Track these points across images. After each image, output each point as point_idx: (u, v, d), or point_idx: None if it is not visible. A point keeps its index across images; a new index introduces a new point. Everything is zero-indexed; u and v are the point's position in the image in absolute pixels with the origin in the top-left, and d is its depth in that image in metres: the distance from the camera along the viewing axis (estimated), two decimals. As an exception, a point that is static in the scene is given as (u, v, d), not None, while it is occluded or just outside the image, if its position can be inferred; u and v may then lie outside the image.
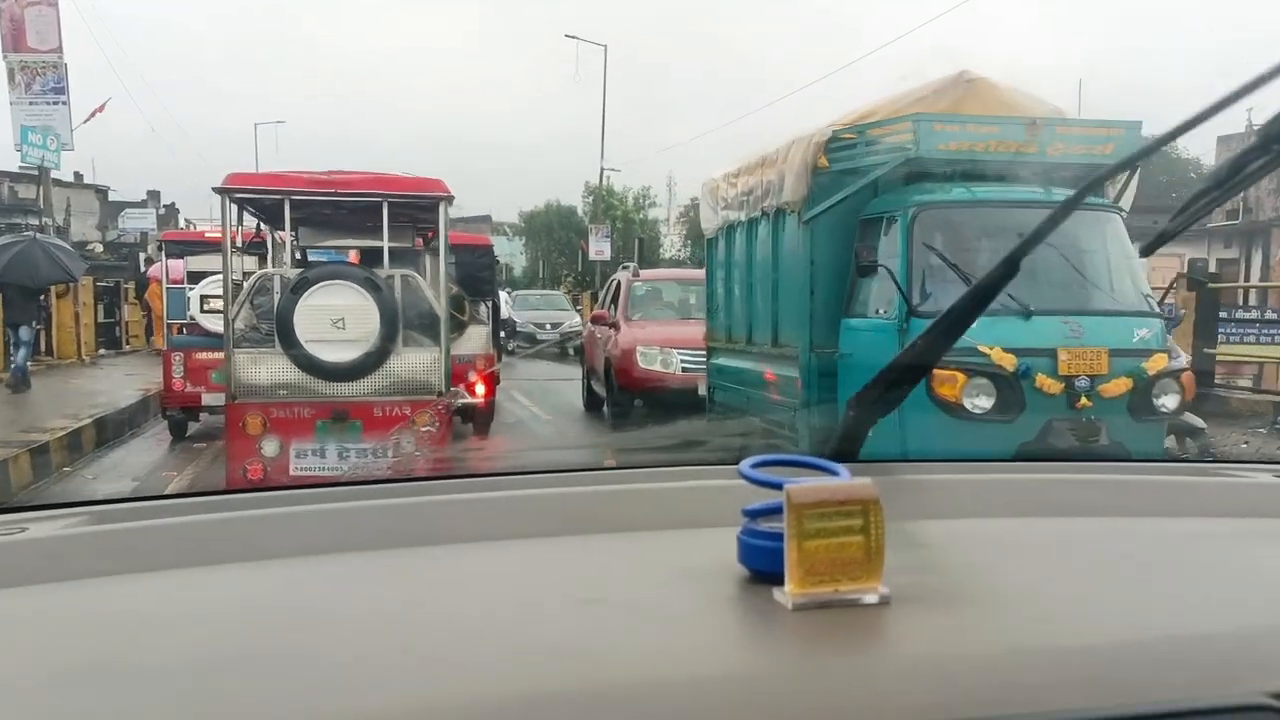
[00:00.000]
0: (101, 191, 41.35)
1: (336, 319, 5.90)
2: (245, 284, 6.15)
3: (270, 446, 5.95)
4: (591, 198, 38.07)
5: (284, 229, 6.32)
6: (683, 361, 9.63)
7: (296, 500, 1.06)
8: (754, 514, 0.79)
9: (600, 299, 11.87)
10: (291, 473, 5.92)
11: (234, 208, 6.27)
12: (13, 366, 12.16)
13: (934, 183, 6.13)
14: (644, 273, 11.96)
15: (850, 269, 6.08)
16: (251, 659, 0.69)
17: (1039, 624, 0.74)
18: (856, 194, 6.22)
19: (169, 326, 9.89)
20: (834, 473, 0.83)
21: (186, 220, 11.20)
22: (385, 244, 6.16)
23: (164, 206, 40.31)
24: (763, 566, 0.76)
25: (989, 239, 5.56)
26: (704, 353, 8.85)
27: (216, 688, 0.64)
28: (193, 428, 10.12)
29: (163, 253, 10.76)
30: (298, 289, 5.89)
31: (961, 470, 1.24)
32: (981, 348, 5.23)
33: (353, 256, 7.56)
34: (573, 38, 30.33)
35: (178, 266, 10.31)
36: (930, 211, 5.92)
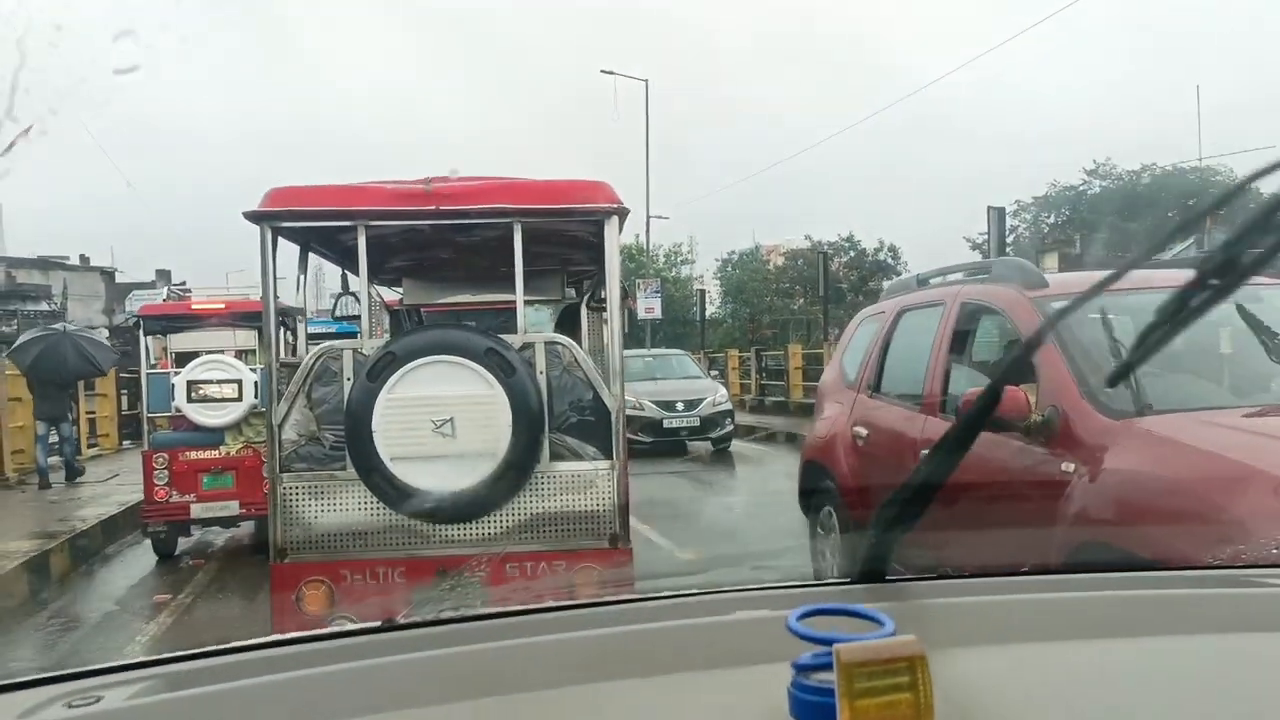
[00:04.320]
0: (108, 273, 39.64)
1: (442, 420, 3.57)
2: (301, 366, 3.80)
3: None
4: (623, 257, 36.28)
5: (361, 270, 3.96)
6: None
7: (353, 654, 0.98)
8: (803, 668, 0.78)
9: (858, 365, 5.18)
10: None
11: (296, 250, 3.99)
12: (63, 460, 11.94)
13: None
14: (1060, 276, 5.02)
15: None
16: None
17: None
18: None
19: (150, 421, 8.07)
20: (879, 622, 0.82)
21: (172, 290, 9.53)
22: (519, 292, 3.82)
23: (175, 286, 38.98)
24: None
25: None
26: None
27: None
28: (183, 544, 8.34)
29: (140, 330, 8.72)
30: (378, 372, 3.57)
31: (988, 590, 1.20)
32: None
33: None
34: (609, 73, 27.45)
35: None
36: None
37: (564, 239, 4.40)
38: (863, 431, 4.78)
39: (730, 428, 14.45)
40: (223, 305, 8.50)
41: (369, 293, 4.29)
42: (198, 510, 7.62)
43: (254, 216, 3.65)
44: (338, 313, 5.24)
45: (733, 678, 0.89)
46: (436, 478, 3.57)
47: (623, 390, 3.80)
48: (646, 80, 27.51)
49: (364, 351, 3.69)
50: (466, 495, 3.59)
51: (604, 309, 4.19)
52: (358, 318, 5.05)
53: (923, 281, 5.00)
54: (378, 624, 1.08)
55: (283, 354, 7.97)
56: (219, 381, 7.71)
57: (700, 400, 14.17)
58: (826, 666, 0.73)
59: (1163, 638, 1.01)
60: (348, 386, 3.66)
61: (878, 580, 1.16)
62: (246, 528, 8.44)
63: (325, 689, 0.91)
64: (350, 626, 1.08)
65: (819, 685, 0.75)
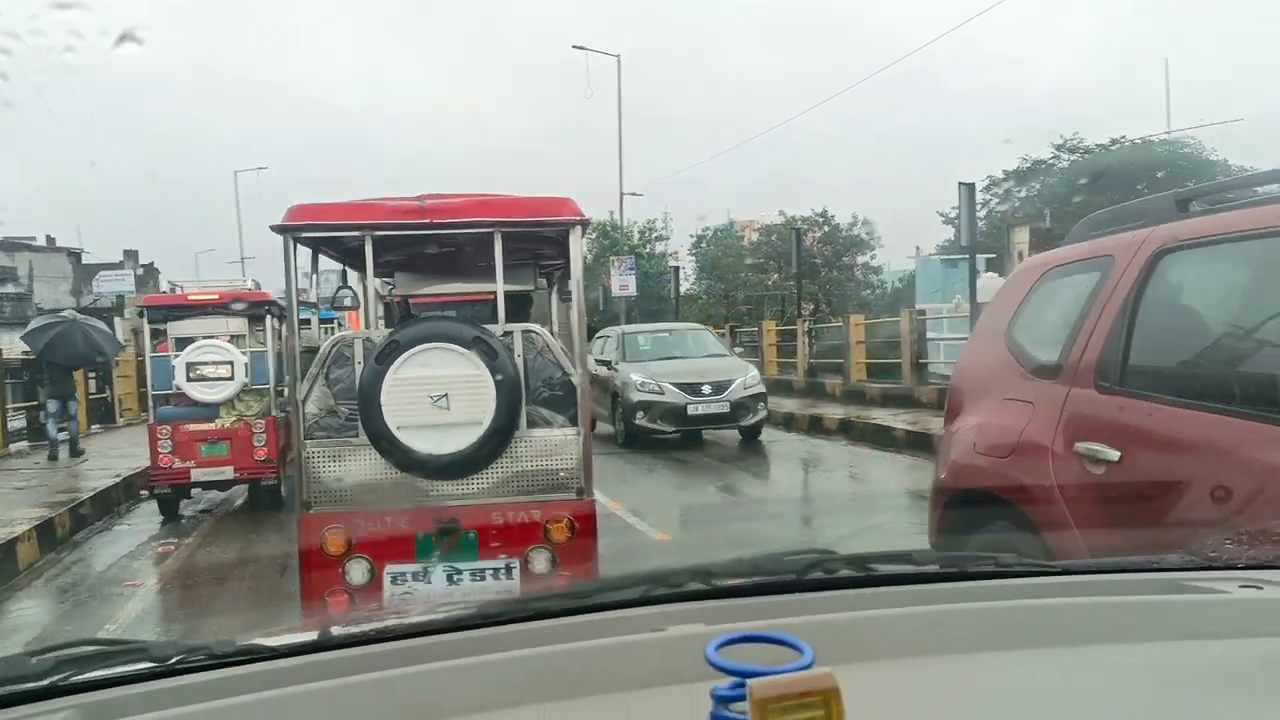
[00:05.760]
0: (74, 254, 39.93)
1: (438, 395, 4.36)
2: (320, 352, 4.58)
3: (357, 571, 4.38)
4: (595, 235, 36.04)
5: (367, 273, 4.75)
6: None
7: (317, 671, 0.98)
8: (722, 698, 0.78)
9: (1061, 341, 3.33)
10: (386, 603, 4.37)
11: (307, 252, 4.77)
12: (65, 438, 12.71)
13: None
14: None
15: None
16: None
17: None
18: None
19: (154, 398, 9.20)
20: (799, 649, 0.82)
21: (171, 283, 11.18)
22: (500, 289, 4.61)
23: (142, 267, 38.97)
24: None
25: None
26: None
27: None
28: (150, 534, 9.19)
29: (143, 319, 9.78)
30: (385, 357, 4.35)
31: (915, 599, 1.13)
32: None
33: None
34: (581, 48, 26.81)
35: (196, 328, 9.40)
36: None
37: (536, 239, 5.17)
38: (1107, 453, 2.89)
39: (764, 413, 12.64)
40: (216, 296, 9.50)
41: (372, 288, 5.05)
42: (197, 475, 8.84)
43: (279, 229, 4.42)
44: (335, 303, 6.04)
45: (658, 700, 0.90)
46: (434, 443, 4.36)
47: (585, 370, 4.61)
48: (618, 56, 27.42)
49: (372, 340, 4.48)
50: (459, 456, 4.38)
51: (570, 299, 4.98)
52: (352, 307, 5.84)
53: (1184, 204, 3.10)
54: (299, 642, 1.07)
55: (269, 341, 8.90)
56: (214, 363, 8.81)
57: (729, 382, 12.29)
58: (745, 697, 0.73)
59: (1091, 646, 1.00)
60: (359, 369, 4.45)
61: (817, 589, 1.17)
62: (238, 492, 9.68)
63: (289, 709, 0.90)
64: (268, 642, 1.08)
65: (737, 716, 0.75)
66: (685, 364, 12.87)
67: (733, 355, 14.42)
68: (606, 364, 13.29)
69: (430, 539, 4.43)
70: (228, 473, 8.85)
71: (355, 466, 4.44)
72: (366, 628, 1.10)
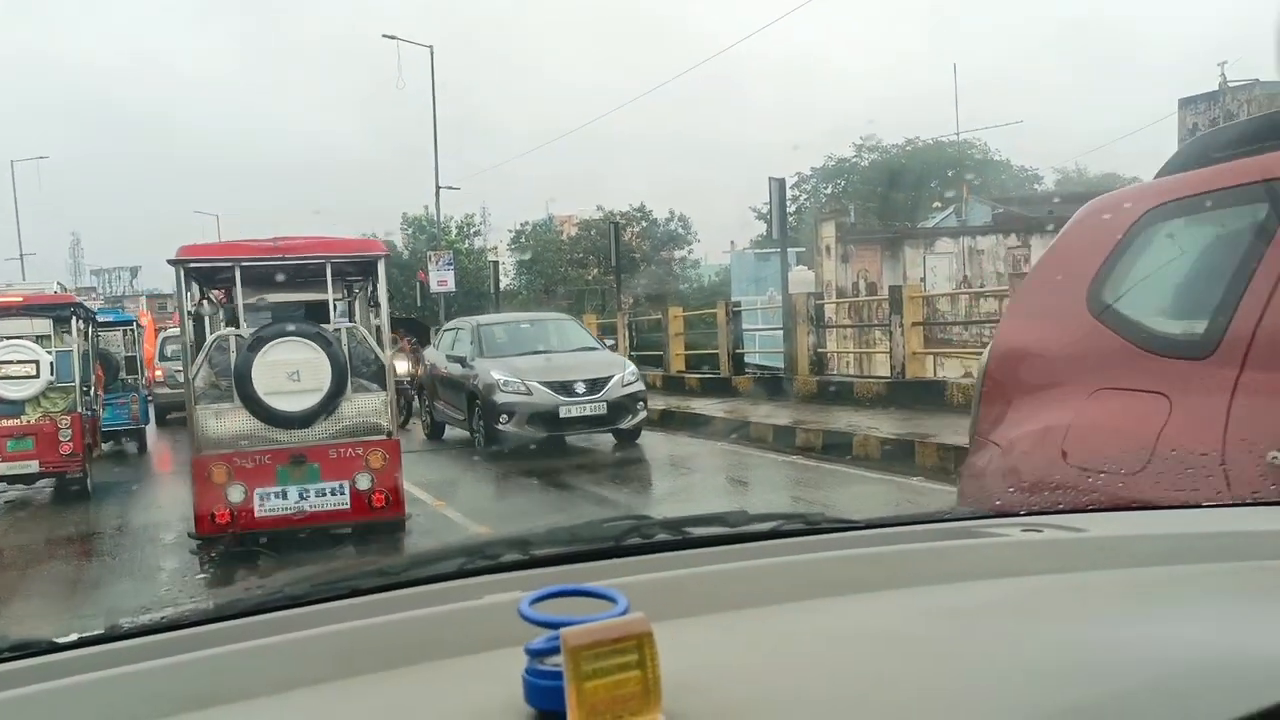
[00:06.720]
0: None
1: (292, 372, 6.54)
2: (205, 344, 6.72)
3: (235, 493, 6.51)
4: (411, 230, 36.42)
5: (227, 293, 6.91)
6: None
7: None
8: (536, 652, 0.79)
9: (1210, 303, 2.32)
10: (257, 515, 6.50)
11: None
12: None
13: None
14: None
15: None
16: None
17: None
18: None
19: None
20: (613, 600, 0.84)
21: None
22: (330, 299, 6.84)
23: None
24: (550, 705, 0.75)
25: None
26: None
27: None
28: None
29: None
30: (254, 346, 6.50)
31: (726, 557, 1.18)
32: None
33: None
34: (391, 38, 25.78)
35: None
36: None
37: (355, 266, 7.40)
38: None
39: (643, 414, 11.30)
40: (20, 298, 10.07)
41: (240, 301, 7.16)
42: (2, 469, 9.29)
43: (174, 262, 6.51)
44: (196, 314, 7.78)
45: (474, 665, 0.90)
46: (289, 404, 6.55)
47: (390, 354, 6.90)
48: (431, 47, 26.33)
49: (243, 335, 6.64)
50: (306, 413, 6.59)
51: (377, 305, 7.21)
52: (208, 314, 7.86)
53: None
54: (86, 635, 1.01)
55: (75, 341, 9.99)
56: (19, 362, 9.33)
57: (606, 380, 10.93)
58: (559, 649, 0.73)
59: (890, 591, 1.06)
60: (233, 356, 6.59)
61: (635, 554, 1.19)
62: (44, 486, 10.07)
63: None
64: (53, 637, 1.00)
65: (551, 669, 0.75)
66: (554, 360, 11.48)
67: (604, 349, 12.92)
68: (460, 361, 11.87)
69: (286, 469, 6.61)
70: (33, 466, 9.29)
71: (232, 422, 6.58)
72: (159, 615, 1.07)
